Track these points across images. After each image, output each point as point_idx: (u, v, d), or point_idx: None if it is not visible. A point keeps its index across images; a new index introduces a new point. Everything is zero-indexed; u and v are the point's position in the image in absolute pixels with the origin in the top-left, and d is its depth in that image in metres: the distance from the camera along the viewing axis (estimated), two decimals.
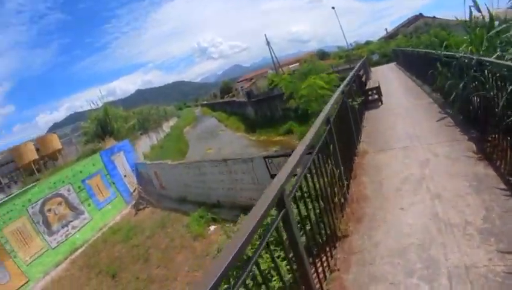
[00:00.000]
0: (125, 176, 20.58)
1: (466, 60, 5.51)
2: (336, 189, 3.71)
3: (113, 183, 19.71)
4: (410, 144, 5.89)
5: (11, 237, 14.35)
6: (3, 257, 13.74)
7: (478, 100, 5.33)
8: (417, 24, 51.76)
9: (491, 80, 4.65)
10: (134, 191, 20.25)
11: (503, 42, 5.38)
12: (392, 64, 28.13)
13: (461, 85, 5.83)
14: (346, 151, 5.01)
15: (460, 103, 6.33)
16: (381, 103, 9.93)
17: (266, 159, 10.72)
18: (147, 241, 13.95)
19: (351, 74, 7.80)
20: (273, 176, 11.20)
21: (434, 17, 54.04)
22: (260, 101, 36.38)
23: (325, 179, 3.31)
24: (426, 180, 4.34)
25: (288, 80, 21.16)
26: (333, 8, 44.83)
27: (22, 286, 13.76)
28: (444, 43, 7.14)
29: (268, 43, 48.60)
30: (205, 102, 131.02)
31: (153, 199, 18.93)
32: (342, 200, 3.99)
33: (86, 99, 48.10)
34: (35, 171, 21.90)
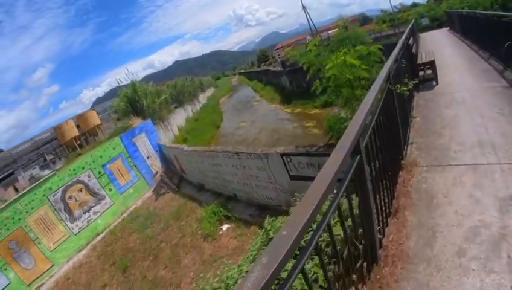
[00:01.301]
0: (148, 157, 19.61)
1: None
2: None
3: (135, 166, 18.83)
4: (483, 159, 3.83)
5: (35, 225, 14.51)
6: (28, 244, 14.07)
7: None
8: None
9: None
10: (156, 174, 19.29)
11: None
12: (445, 30, 24.62)
13: None
14: (387, 166, 3.28)
15: None
16: (437, 83, 7.65)
17: (284, 157, 8.89)
18: (161, 233, 13.28)
19: (398, 46, 5.59)
20: (292, 177, 9.48)
21: None
22: (295, 71, 33.85)
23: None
24: (509, 241, 2.53)
25: (314, 54, 16.74)
26: None
27: (47, 270, 14.19)
28: None
29: (304, 7, 45.28)
30: (243, 71, 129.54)
31: (175, 182, 18.08)
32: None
33: (126, 73, 47.93)
34: (77, 146, 22.84)
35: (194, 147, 15.37)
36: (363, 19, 69.99)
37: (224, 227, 11.35)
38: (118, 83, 30.43)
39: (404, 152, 4.41)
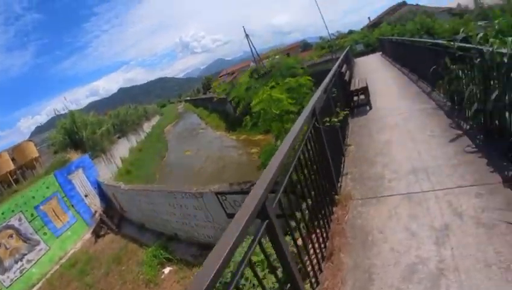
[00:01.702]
0: (86, 195, 18.28)
1: (506, 60, 3.53)
2: None
3: (72, 205, 17.40)
4: (417, 186, 3.81)
5: None
6: None
7: None
8: (401, 12, 50.47)
9: None
10: (95, 213, 17.99)
11: None
12: (378, 54, 26.25)
13: (494, 95, 3.87)
14: (319, 206, 3.18)
15: (485, 119, 4.42)
16: (370, 108, 7.87)
17: (219, 196, 8.61)
18: (101, 280, 12.19)
19: (329, 76, 5.53)
20: (230, 216, 8.97)
21: (417, 4, 53.19)
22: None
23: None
24: (447, 276, 2.46)
25: (246, 86, 16.07)
26: None
27: None
28: (462, 31, 5.09)
29: (247, 35, 46.17)
30: (188, 98, 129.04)
31: (115, 222, 17.02)
32: None
33: (69, 100, 45.23)
34: (13, 182, 19.89)
35: (131, 185, 14.63)
36: (304, 46, 72.74)
37: (166, 270, 10.71)
38: (55, 113, 28.56)
39: (339, 184, 4.30)
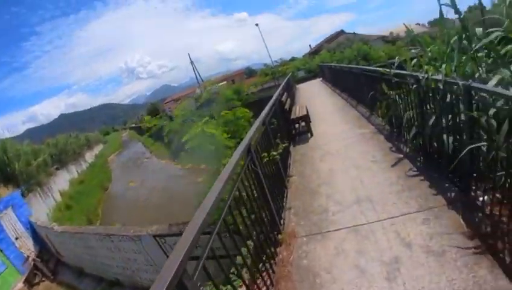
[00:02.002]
0: (17, 238, 16.36)
1: (441, 86, 3.53)
2: None
3: (1, 250, 15.36)
4: (362, 218, 3.66)
5: None
6: None
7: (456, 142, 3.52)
8: (339, 40, 53.21)
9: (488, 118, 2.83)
10: (28, 258, 16.16)
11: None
12: (318, 80, 27.18)
13: (431, 121, 3.88)
14: (260, 250, 2.94)
15: (424, 142, 4.46)
16: (311, 135, 7.81)
17: (157, 239, 8.06)
18: None
19: (267, 108, 5.35)
20: None
21: (354, 33, 56.39)
22: None
23: None
24: None
25: (181, 120, 15.03)
26: (257, 24, 43.96)
27: None
28: (397, 58, 5.18)
29: (191, 62, 46.34)
30: (133, 125, 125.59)
31: (51, 268, 15.54)
32: None
33: (3, 125, 41.50)
34: None
35: (65, 226, 13.48)
36: (249, 72, 74.12)
37: None
38: None
39: (282, 221, 4.04)
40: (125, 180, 33.18)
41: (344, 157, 5.79)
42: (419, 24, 72.85)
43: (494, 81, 2.99)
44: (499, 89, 2.63)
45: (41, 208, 19.90)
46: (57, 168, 29.62)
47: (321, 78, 26.88)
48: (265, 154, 4.00)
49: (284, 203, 4.55)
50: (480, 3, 4.14)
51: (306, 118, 7.75)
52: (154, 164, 36.23)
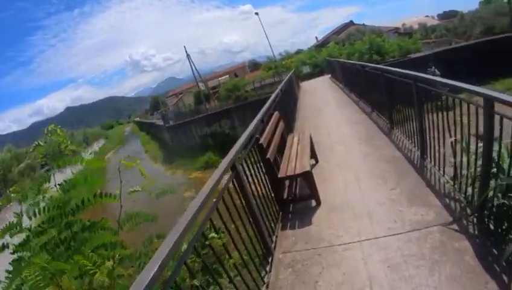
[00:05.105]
0: None
1: None
2: None
3: None
4: None
5: None
6: None
7: None
8: (349, 31, 49.47)
9: None
10: None
11: None
12: (327, 78, 23.49)
13: None
14: None
15: None
16: (317, 203, 4.13)
17: None
18: None
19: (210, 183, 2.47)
20: None
21: (364, 24, 52.96)
22: (176, 127, 30.47)
23: None
24: None
25: None
26: (256, 13, 40.35)
27: None
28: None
29: (188, 55, 43.09)
30: (138, 119, 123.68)
31: None
32: None
33: (11, 119, 39.36)
34: None
35: None
36: (254, 65, 71.25)
37: None
38: None
39: None
40: (114, 186, 30.18)
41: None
42: (428, 16, 69.42)
43: None
44: None
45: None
46: (47, 170, 26.88)
47: (330, 75, 23.30)
48: None
49: None
50: None
51: (307, 176, 4.19)
52: (145, 168, 32.89)
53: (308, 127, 7.27)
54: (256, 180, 3.57)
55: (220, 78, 60.16)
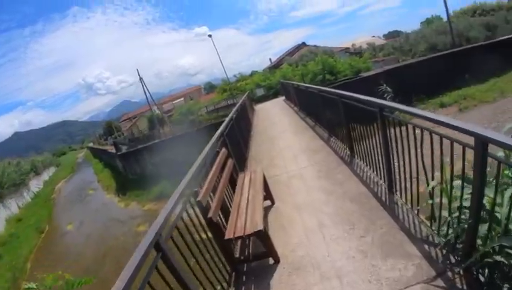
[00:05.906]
0: None
1: None
2: None
3: None
4: None
5: None
6: None
7: None
8: (302, 52, 50.43)
9: None
10: None
11: None
12: (281, 100, 23.34)
13: None
14: None
15: None
16: (275, 261, 3.53)
17: None
18: None
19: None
20: None
21: (316, 45, 54.35)
22: (128, 155, 29.11)
23: None
24: None
25: None
26: (210, 36, 40.09)
27: None
28: None
29: (141, 78, 41.88)
30: (91, 144, 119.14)
31: None
32: None
33: None
34: None
35: None
36: (210, 88, 70.87)
37: None
38: None
39: None
40: (65, 219, 27.99)
41: None
42: (374, 36, 73.16)
43: None
44: None
45: None
46: None
47: (284, 98, 23.15)
48: None
49: None
50: None
51: (260, 235, 3.32)
52: (99, 199, 31.04)
53: (262, 160, 6.78)
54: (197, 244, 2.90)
55: (174, 102, 59.27)
